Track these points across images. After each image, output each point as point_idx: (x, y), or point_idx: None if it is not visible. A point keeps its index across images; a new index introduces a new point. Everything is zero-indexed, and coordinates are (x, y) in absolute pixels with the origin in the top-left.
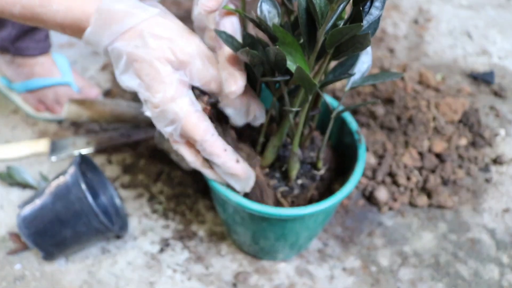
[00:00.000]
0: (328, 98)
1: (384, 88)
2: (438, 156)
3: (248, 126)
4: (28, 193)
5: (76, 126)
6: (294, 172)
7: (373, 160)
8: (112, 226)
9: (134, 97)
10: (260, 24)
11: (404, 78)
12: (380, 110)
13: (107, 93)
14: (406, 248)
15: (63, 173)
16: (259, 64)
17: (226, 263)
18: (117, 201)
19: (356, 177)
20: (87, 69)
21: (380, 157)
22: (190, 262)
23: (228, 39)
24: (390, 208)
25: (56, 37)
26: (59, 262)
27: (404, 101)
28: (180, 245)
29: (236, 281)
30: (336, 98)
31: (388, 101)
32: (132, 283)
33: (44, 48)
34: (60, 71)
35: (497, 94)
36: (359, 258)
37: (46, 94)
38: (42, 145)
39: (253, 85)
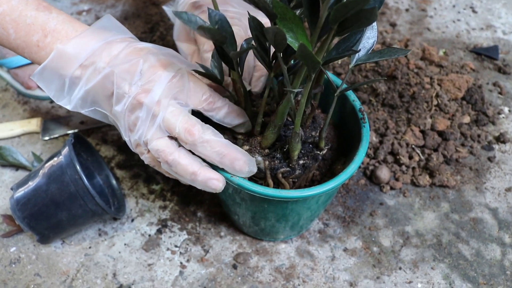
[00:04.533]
0: (330, 75)
1: (386, 64)
2: (441, 134)
3: None
4: (20, 173)
5: None
6: (296, 153)
7: (374, 139)
8: (109, 208)
9: None
10: (258, 1)
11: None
12: (382, 87)
13: None
14: (408, 228)
15: (57, 154)
16: (229, 41)
17: (226, 244)
18: (113, 181)
19: (360, 158)
20: None
21: (382, 136)
22: (189, 244)
23: (192, 18)
24: (392, 188)
25: None
26: (55, 245)
27: (406, 78)
28: (178, 226)
29: (236, 263)
30: (336, 74)
31: (390, 78)
32: (130, 265)
33: None
34: None
35: (501, 70)
36: (361, 238)
37: None
38: (34, 124)
39: (230, 65)
